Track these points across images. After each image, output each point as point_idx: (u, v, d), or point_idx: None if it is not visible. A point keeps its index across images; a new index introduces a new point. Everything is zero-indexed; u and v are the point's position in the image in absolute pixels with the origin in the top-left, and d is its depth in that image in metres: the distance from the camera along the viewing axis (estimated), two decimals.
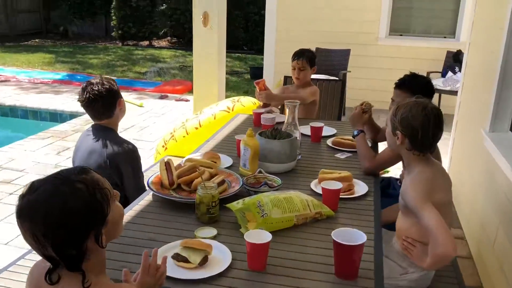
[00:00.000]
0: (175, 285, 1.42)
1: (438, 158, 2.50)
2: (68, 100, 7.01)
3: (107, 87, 2.35)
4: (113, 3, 13.77)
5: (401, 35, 7.01)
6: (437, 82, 6.19)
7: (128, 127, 5.78)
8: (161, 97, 7.44)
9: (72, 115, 6.32)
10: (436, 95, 6.35)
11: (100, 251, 1.16)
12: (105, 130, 2.43)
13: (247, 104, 4.13)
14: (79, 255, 1.10)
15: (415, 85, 2.45)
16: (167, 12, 13.78)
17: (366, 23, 6.89)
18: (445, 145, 4.92)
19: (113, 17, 13.95)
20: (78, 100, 2.39)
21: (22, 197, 1.10)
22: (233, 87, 8.56)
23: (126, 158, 2.41)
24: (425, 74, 6.23)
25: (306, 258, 1.58)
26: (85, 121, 5.91)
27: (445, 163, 4.39)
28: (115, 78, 8.83)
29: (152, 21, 13.94)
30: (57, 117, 6.50)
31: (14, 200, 1.31)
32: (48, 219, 1.06)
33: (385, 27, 6.91)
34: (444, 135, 1.95)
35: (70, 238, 1.08)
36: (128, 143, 2.47)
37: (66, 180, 1.11)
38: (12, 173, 4.34)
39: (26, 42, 13.55)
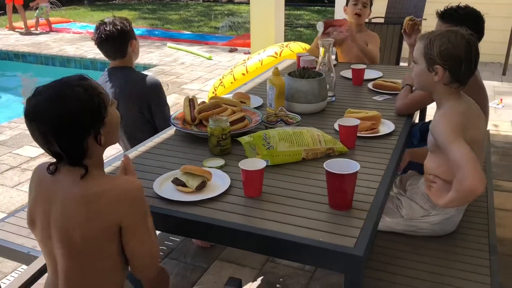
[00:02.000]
0: (171, 206, 1.49)
1: (485, 98, 2.31)
2: (143, 54, 7.32)
3: (119, 27, 2.40)
4: None
5: None
6: None
7: (194, 78, 5.94)
8: (231, 51, 7.52)
9: (145, 67, 6.62)
10: None
11: (99, 150, 1.31)
12: (122, 70, 2.51)
13: (296, 49, 4.03)
14: (81, 151, 1.25)
15: (462, 17, 2.24)
16: None
17: None
18: None
19: None
20: (91, 39, 2.49)
21: (29, 100, 1.24)
22: (307, 40, 8.39)
23: (152, 90, 2.50)
24: None
25: (305, 189, 1.58)
26: (155, 72, 6.16)
27: None
28: (190, 32, 9.05)
29: None
30: None
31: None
32: (51, 119, 1.20)
33: None
34: None
35: (71, 136, 1.22)
36: (151, 77, 2.54)
37: (67, 84, 1.25)
38: None
39: (114, 1, 14.23)
